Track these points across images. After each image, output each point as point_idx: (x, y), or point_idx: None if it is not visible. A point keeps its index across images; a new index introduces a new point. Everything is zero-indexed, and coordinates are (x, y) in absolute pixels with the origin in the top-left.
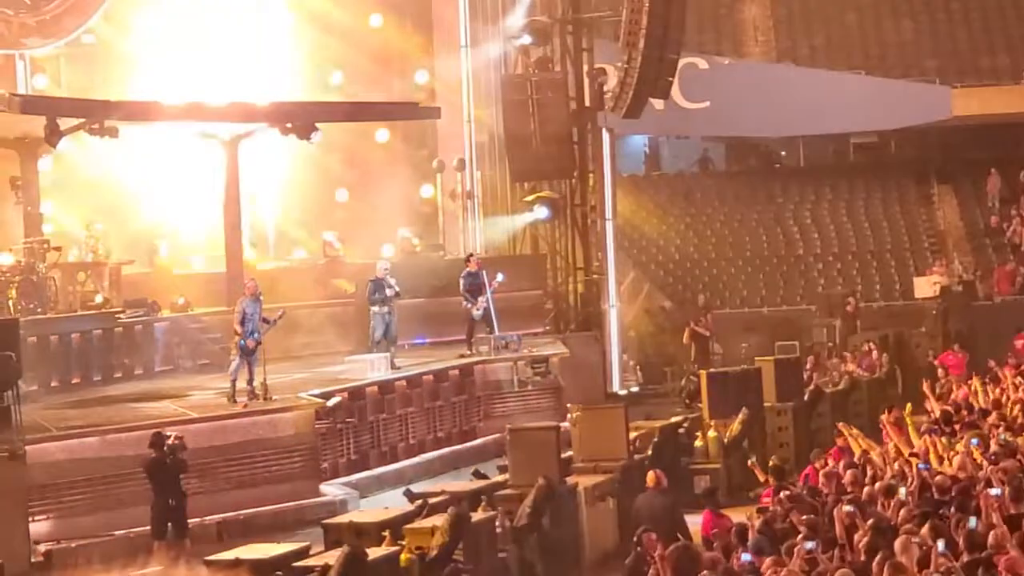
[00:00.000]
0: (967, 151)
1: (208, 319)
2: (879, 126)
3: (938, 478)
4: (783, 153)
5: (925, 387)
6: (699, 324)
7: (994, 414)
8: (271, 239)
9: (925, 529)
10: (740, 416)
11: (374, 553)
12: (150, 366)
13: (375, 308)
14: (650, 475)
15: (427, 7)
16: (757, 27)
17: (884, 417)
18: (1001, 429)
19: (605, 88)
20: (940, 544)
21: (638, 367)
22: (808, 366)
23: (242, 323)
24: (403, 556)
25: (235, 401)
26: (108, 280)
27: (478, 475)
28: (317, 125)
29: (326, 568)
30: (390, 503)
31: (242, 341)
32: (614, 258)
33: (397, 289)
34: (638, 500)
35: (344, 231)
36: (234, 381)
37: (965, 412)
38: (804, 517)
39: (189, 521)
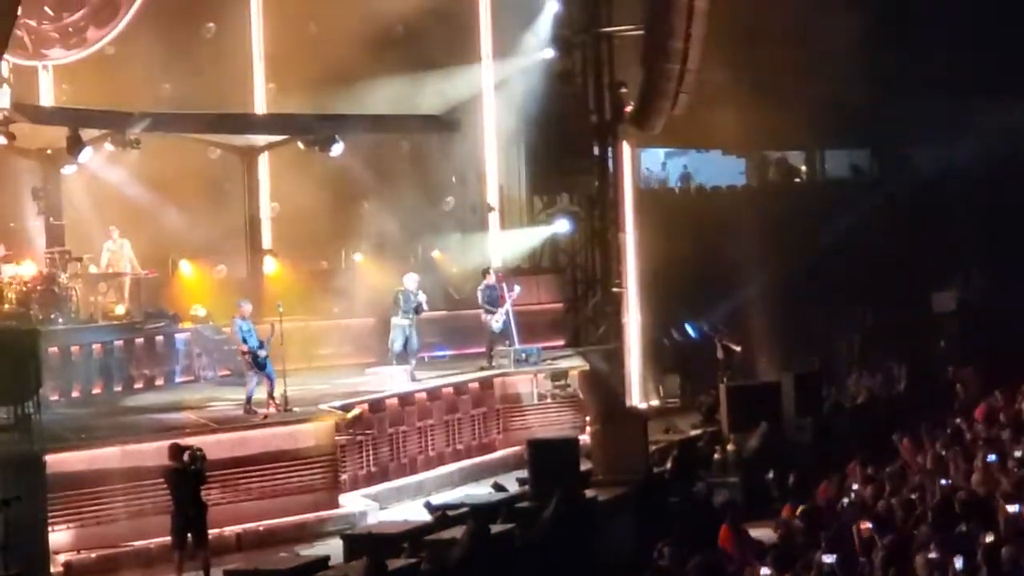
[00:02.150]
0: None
1: (229, 330)
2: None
3: (958, 494)
4: (803, 168)
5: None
6: (730, 339)
7: (1009, 429)
8: (293, 251)
9: (944, 545)
10: (759, 430)
11: (394, 564)
12: (171, 377)
13: (396, 319)
14: None
15: (449, 19)
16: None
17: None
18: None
19: (626, 101)
20: (959, 561)
21: (658, 381)
22: (826, 381)
23: (244, 341)
24: (422, 567)
25: (254, 413)
26: (129, 291)
27: (497, 487)
28: (338, 137)
29: None
30: (410, 515)
31: (258, 356)
32: (635, 271)
33: (426, 307)
34: None
35: (365, 243)
36: (250, 396)
37: (984, 428)
38: (822, 532)
39: (209, 532)
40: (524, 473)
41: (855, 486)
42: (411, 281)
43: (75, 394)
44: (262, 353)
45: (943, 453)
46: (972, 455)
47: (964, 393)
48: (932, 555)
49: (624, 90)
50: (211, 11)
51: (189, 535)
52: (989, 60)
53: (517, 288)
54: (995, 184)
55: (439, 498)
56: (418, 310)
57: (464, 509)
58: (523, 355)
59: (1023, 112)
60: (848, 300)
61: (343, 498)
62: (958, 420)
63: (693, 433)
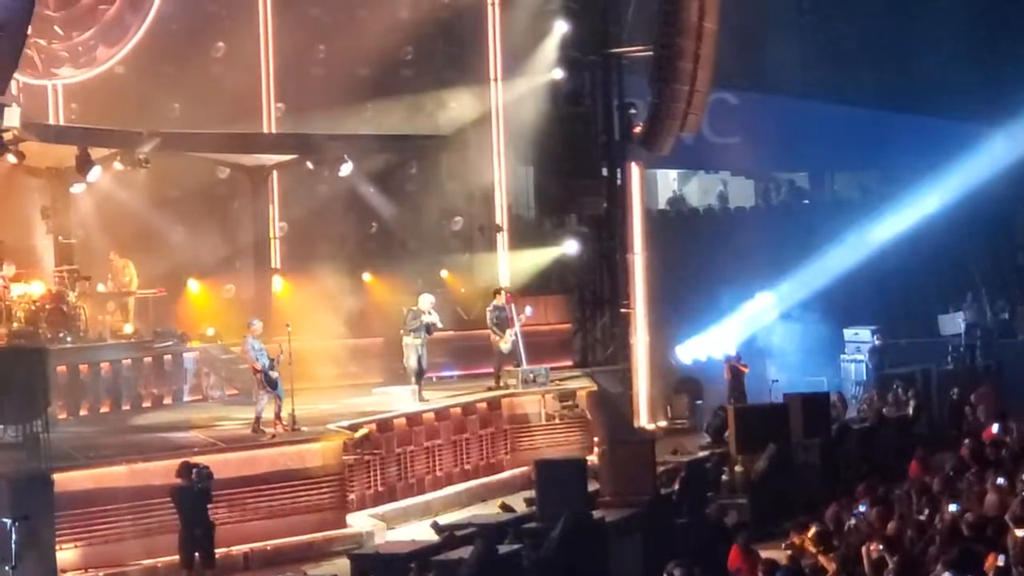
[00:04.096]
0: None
1: (237, 350)
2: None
3: (967, 516)
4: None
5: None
6: (738, 361)
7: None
8: (301, 270)
9: (953, 565)
10: (767, 452)
11: None
12: (179, 396)
13: (408, 339)
14: None
15: (458, 40)
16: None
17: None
18: None
19: (635, 122)
20: None
21: (666, 402)
22: (835, 402)
23: (257, 360)
24: None
25: (262, 432)
26: (137, 310)
27: (505, 508)
28: (346, 157)
29: None
30: (417, 535)
31: (270, 375)
32: (643, 292)
33: (439, 325)
34: None
35: (373, 263)
36: (259, 415)
37: (992, 450)
38: (832, 554)
39: (216, 551)
40: (532, 493)
41: (863, 508)
42: (425, 302)
43: (83, 412)
44: (273, 373)
45: (952, 475)
46: (981, 477)
47: (974, 415)
48: (945, 575)
49: (633, 111)
50: (221, 31)
51: (197, 554)
52: (995, 83)
53: (528, 309)
54: (1003, 206)
55: (446, 518)
56: (428, 330)
57: (471, 529)
58: (531, 375)
59: None
60: (856, 321)
61: (350, 518)
62: (967, 442)
63: (701, 454)
